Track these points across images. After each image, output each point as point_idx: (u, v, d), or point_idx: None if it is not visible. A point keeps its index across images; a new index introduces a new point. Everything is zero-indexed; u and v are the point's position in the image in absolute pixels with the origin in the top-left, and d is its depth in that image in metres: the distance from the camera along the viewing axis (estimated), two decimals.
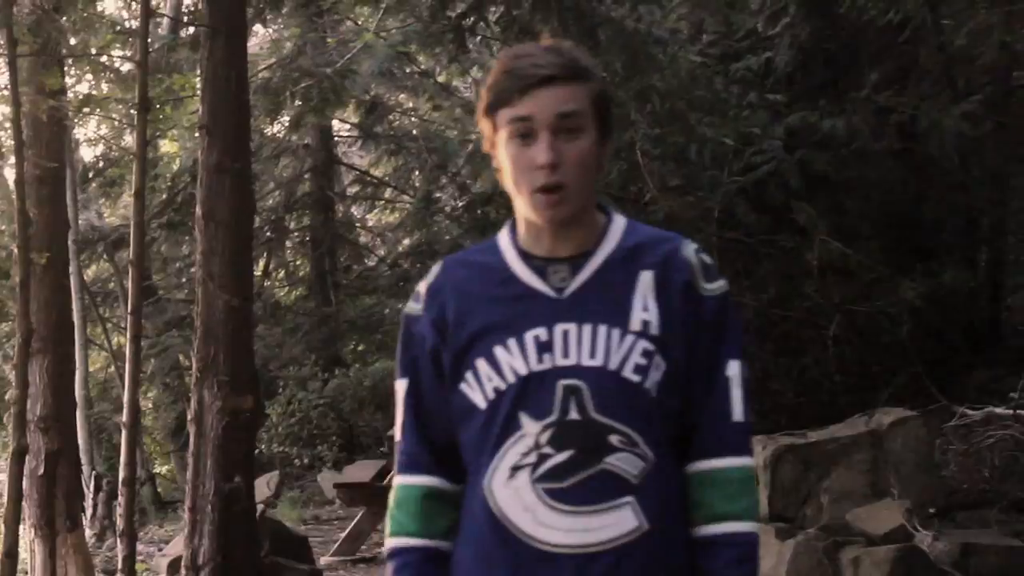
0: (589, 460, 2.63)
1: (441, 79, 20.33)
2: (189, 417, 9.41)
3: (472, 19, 12.83)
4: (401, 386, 2.91)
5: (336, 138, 23.68)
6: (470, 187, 19.97)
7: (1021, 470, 10.51)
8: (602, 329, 2.67)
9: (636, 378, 2.65)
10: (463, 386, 2.74)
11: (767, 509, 10.42)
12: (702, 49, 14.07)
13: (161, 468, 24.77)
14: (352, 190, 25.16)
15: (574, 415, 2.63)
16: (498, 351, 2.70)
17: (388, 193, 24.50)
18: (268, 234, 21.80)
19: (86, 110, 13.62)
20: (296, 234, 23.94)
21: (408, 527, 2.88)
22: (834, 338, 13.86)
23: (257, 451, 13.57)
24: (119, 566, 8.85)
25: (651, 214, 14.25)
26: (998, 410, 10.71)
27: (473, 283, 2.81)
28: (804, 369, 14.71)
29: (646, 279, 2.72)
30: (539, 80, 2.63)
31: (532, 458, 2.64)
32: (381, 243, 25.42)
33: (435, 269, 2.90)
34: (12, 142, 7.87)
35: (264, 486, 17.04)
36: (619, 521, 2.62)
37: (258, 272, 20.92)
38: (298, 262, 25.19)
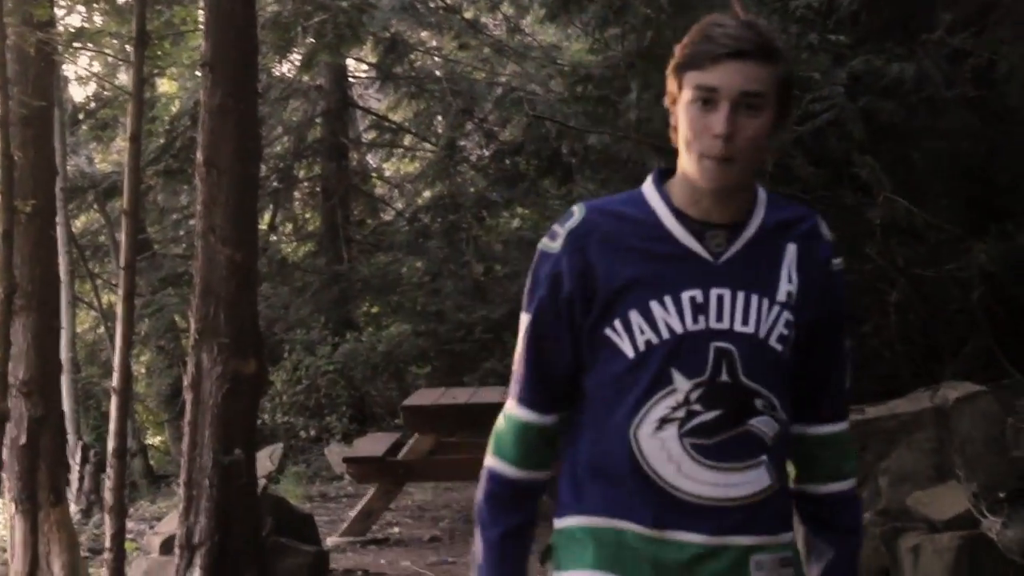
0: (735, 420, 3.03)
1: (468, 15, 20.34)
2: (185, 383, 9.47)
3: None
4: (526, 319, 3.18)
5: (351, 79, 23.68)
6: (498, 134, 20.02)
7: None
8: (754, 297, 3.04)
9: (779, 347, 3.06)
10: (609, 332, 3.05)
11: None
12: None
13: (154, 439, 24.89)
14: (368, 136, 25.13)
15: (724, 377, 3.01)
16: (654, 305, 3.02)
17: (408, 140, 24.48)
18: (275, 183, 21.82)
19: (77, 44, 13.62)
20: (306, 184, 23.97)
21: (510, 455, 3.22)
22: (897, 305, 13.85)
23: (260, 421, 13.64)
24: (107, 544, 8.91)
25: None
26: None
27: (624, 234, 3.07)
28: (863, 338, 14.70)
29: (791, 252, 3.11)
30: (731, 52, 2.91)
31: (681, 413, 3.00)
32: (399, 195, 25.44)
33: (576, 212, 3.14)
34: None
35: (267, 459, 17.12)
36: (757, 479, 3.05)
37: (263, 225, 20.90)
38: (307, 215, 25.21)
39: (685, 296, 3.00)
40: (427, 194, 23.07)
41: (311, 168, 23.51)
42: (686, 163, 3.00)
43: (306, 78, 21.35)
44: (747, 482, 3.03)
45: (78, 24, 12.72)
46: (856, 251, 14.50)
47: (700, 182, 2.99)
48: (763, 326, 3.03)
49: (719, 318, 3.01)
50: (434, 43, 23.10)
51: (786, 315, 3.05)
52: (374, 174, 26.52)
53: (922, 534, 9.60)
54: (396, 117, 24.21)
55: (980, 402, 10.64)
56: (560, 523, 3.20)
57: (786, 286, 3.07)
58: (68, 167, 17.71)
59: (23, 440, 10.25)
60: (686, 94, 2.96)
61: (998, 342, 13.40)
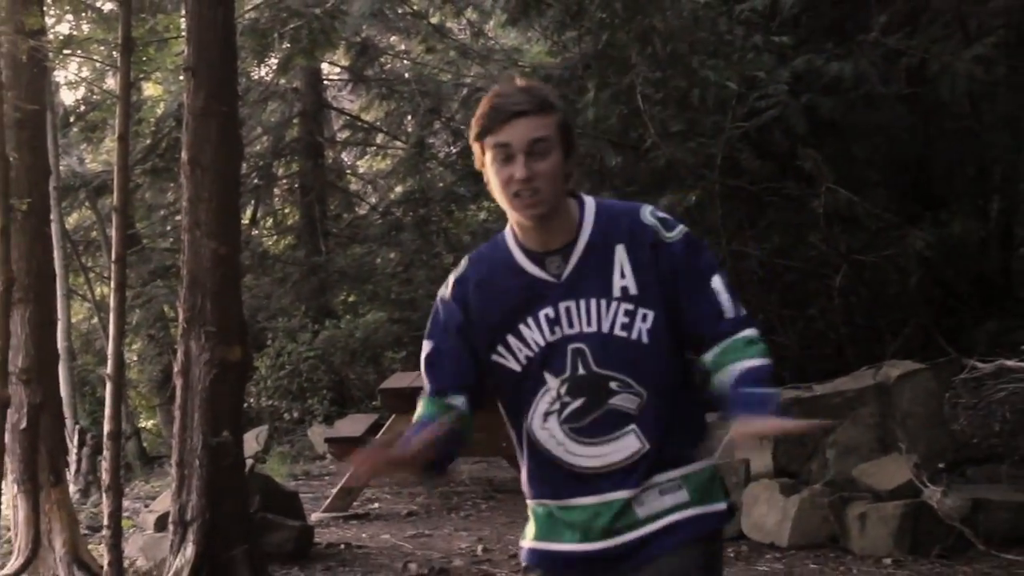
0: (597, 403, 3.54)
1: (435, 20, 20.33)
2: (175, 369, 9.43)
3: None
4: (427, 346, 3.76)
5: (325, 82, 23.67)
6: (464, 132, 19.97)
7: None
8: (592, 301, 3.54)
9: (623, 334, 3.53)
10: (496, 357, 3.61)
11: (771, 464, 10.48)
12: None
13: (147, 422, 24.86)
14: (342, 135, 25.12)
15: (581, 371, 3.54)
16: (522, 328, 3.57)
17: (379, 139, 24.49)
18: (256, 181, 21.81)
19: (67, 51, 13.58)
20: (284, 181, 23.95)
21: (426, 416, 3.71)
22: (840, 289, 13.91)
23: (246, 405, 13.61)
24: (105, 522, 8.89)
25: (652, 161, 14.29)
26: (1009, 363, 10.75)
27: (494, 276, 3.65)
28: (809, 321, 14.78)
29: (620, 252, 3.56)
30: (515, 113, 3.45)
31: (556, 406, 3.57)
32: (372, 190, 25.44)
33: (462, 264, 3.75)
34: None
35: (253, 441, 17.12)
36: (627, 445, 3.54)
37: (245, 220, 20.92)
38: (287, 210, 25.20)
39: (541, 315, 3.56)
40: (399, 189, 23.08)
41: (289, 166, 23.49)
42: (510, 211, 3.55)
43: (283, 81, 21.32)
44: (619, 449, 3.54)
45: (67, 32, 12.67)
46: (801, 239, 14.57)
47: (522, 220, 3.54)
48: (605, 322, 3.53)
49: (570, 325, 3.54)
50: (403, 47, 23.10)
51: (625, 306, 3.54)
52: (349, 171, 26.51)
53: (868, 503, 9.63)
54: (368, 117, 24.21)
55: (920, 379, 10.70)
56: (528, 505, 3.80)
57: (620, 282, 3.54)
58: (60, 167, 17.63)
59: (23, 425, 10.20)
60: (489, 155, 3.50)
61: (935, 323, 13.47)
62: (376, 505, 13.16)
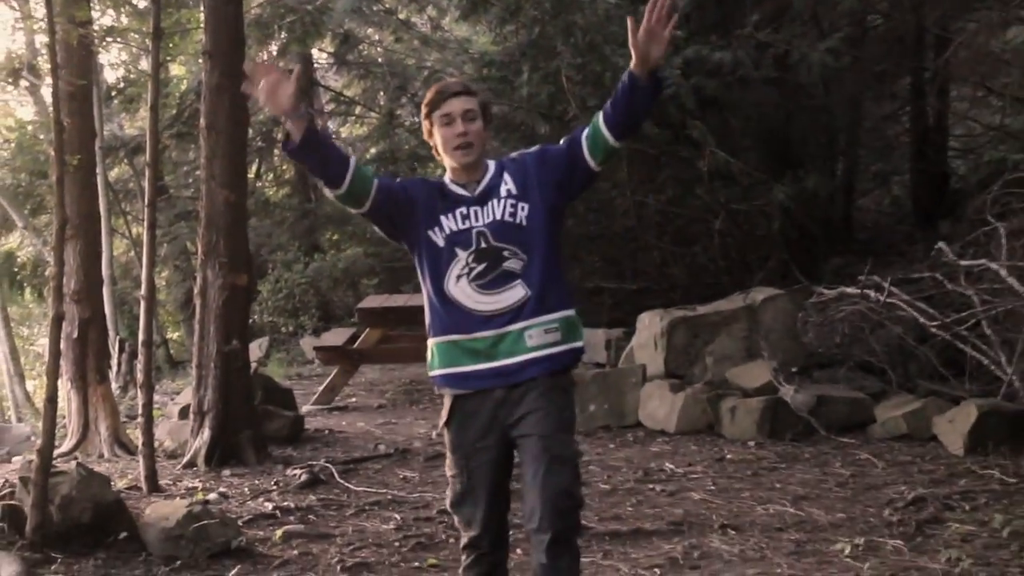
0: (494, 266, 4.16)
1: (402, 16, 20.19)
2: (195, 292, 9.44)
3: None
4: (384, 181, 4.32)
5: (316, 64, 23.43)
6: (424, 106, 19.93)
7: (865, 338, 10.67)
8: (490, 203, 4.21)
9: (510, 219, 4.18)
10: (429, 233, 4.22)
11: (663, 368, 10.58)
12: None
13: (173, 334, 24.72)
14: (329, 107, 24.94)
15: (483, 245, 4.17)
16: (443, 219, 4.22)
17: (358, 110, 24.32)
18: (259, 143, 21.59)
19: (109, 38, 13.46)
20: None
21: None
22: (719, 232, 14.01)
23: (251, 320, 13.61)
24: (139, 411, 8.91)
25: (573, 129, 14.25)
26: (848, 290, 10.86)
27: (432, 191, 4.30)
28: (695, 256, 14.87)
29: (506, 175, 4.26)
30: (453, 93, 4.24)
31: (466, 270, 4.17)
32: (353, 151, 25.29)
33: (417, 179, 4.44)
34: (49, 64, 7.78)
35: (257, 348, 17.13)
36: (514, 294, 4.15)
37: (251, 174, 20.75)
38: (284, 167, 24.95)
39: (458, 212, 4.22)
40: (373, 151, 22.90)
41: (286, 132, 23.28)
42: (447, 160, 4.27)
43: (282, 63, 21.13)
44: (510, 297, 4.14)
45: (110, 23, 12.54)
46: (689, 191, 14.63)
47: (457, 163, 4.24)
48: (497, 212, 4.19)
49: (476, 220, 4.19)
50: (377, 37, 22.89)
51: (510, 201, 4.19)
52: (334, 135, 26.32)
53: (737, 399, 9.75)
54: (349, 93, 24.02)
55: (779, 302, 10.82)
56: (429, 344, 4.32)
57: (505, 188, 4.23)
58: (104, 131, 17.46)
59: (75, 335, 10.19)
60: (436, 122, 4.24)
61: (792, 258, 13.58)
62: (353, 399, 13.18)
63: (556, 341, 4.16)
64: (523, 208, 4.19)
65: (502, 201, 4.19)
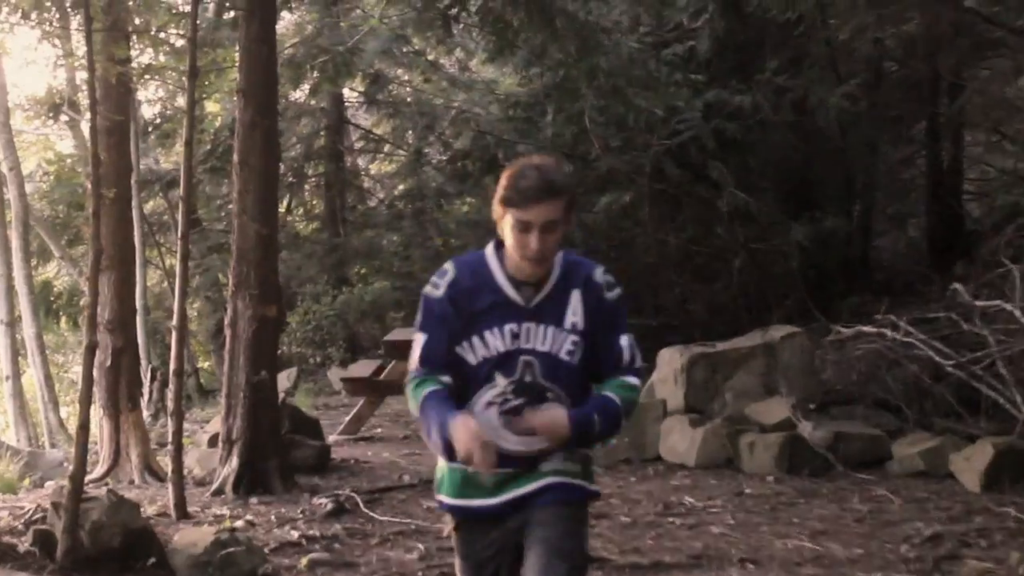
0: (532, 404, 3.52)
1: (431, 57, 20.22)
2: (226, 323, 9.41)
3: (456, 9, 12.77)
4: (422, 338, 3.67)
5: (346, 103, 23.49)
6: (452, 144, 19.93)
7: (882, 375, 10.60)
8: (550, 329, 3.57)
9: (567, 358, 3.57)
10: (459, 349, 3.58)
11: (683, 403, 10.51)
12: (639, 37, 14.06)
13: (203, 363, 24.74)
14: (358, 145, 25.00)
15: (528, 378, 3.55)
16: (487, 334, 3.57)
17: (387, 148, 24.40)
18: (291, 179, 21.68)
19: (147, 76, 13.47)
20: (313, 179, 23.79)
21: (432, 388, 3.59)
22: (738, 270, 13.96)
23: (280, 351, 13.56)
24: (170, 439, 8.87)
25: (596, 169, 14.29)
26: (865, 328, 10.78)
27: (476, 286, 3.60)
28: (714, 293, 14.81)
29: (575, 295, 3.60)
30: (537, 199, 3.43)
31: (500, 399, 3.55)
32: (380, 188, 25.37)
33: (451, 269, 3.65)
34: (88, 100, 7.79)
35: (285, 379, 17.08)
36: (543, 442, 3.51)
37: (282, 209, 20.81)
38: (314, 202, 25.05)
39: (506, 328, 3.55)
40: (401, 187, 23.01)
41: (317, 167, 23.32)
42: (513, 255, 3.54)
43: (313, 102, 21.21)
44: (537, 443, 3.52)
45: (148, 61, 12.56)
46: (709, 230, 14.59)
47: (524, 272, 3.55)
48: (555, 346, 3.56)
49: (527, 341, 3.55)
50: (406, 77, 22.94)
51: (572, 337, 3.57)
52: (363, 172, 26.37)
53: (756, 434, 9.67)
54: (378, 131, 24.09)
55: (797, 339, 10.74)
56: (438, 465, 3.76)
57: (571, 318, 3.58)
58: (140, 166, 17.51)
59: (108, 363, 10.16)
60: (509, 221, 3.49)
61: (809, 297, 13.50)
62: (379, 430, 13.12)
63: (576, 472, 3.66)
64: (581, 348, 3.60)
65: (563, 335, 3.58)
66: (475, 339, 3.57)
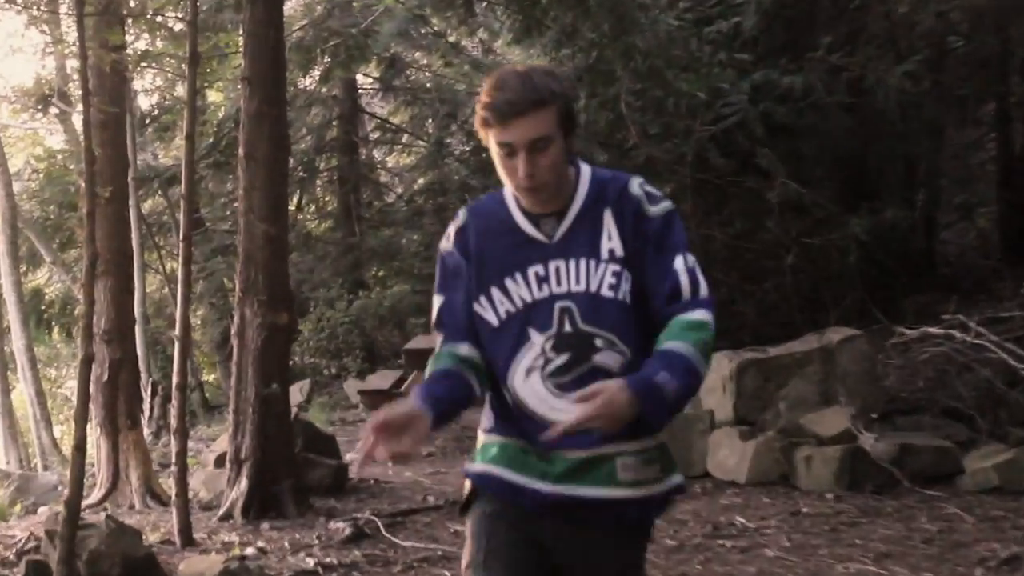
0: (581, 359, 3.08)
1: (452, 39, 20.27)
2: (232, 332, 9.45)
3: None
4: (438, 300, 3.32)
5: (360, 90, 23.59)
6: (476, 133, 20.01)
7: (951, 381, 10.55)
8: (583, 262, 3.12)
9: (610, 294, 3.09)
10: (476, 307, 3.19)
11: (732, 414, 10.48)
12: (679, 14, 13.98)
13: (208, 376, 24.88)
14: (374, 135, 25.10)
15: (568, 328, 3.09)
16: (508, 283, 3.15)
17: (405, 138, 24.47)
18: (301, 173, 21.76)
19: (143, 64, 13.58)
20: (325, 173, 23.90)
21: (440, 369, 3.21)
22: (791, 267, 13.89)
23: (291, 362, 13.60)
24: (173, 460, 8.91)
25: (633, 159, 14.25)
26: (932, 330, 10.74)
27: (491, 230, 3.23)
28: (765, 294, 14.76)
29: (608, 217, 3.15)
30: (515, 114, 3.02)
31: (540, 361, 3.09)
32: (399, 182, 25.43)
33: (462, 214, 3.32)
34: (81, 90, 7.83)
35: (298, 392, 17.14)
36: None
37: (292, 206, 20.87)
38: (327, 198, 25.18)
39: (531, 271, 3.14)
40: (421, 181, 23.07)
41: (329, 161, 23.43)
42: (510, 187, 3.18)
43: (324, 89, 21.28)
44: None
45: (144, 47, 12.64)
46: (758, 224, 14.55)
47: (523, 202, 3.19)
48: (593, 282, 3.10)
49: (559, 283, 3.12)
50: (425, 61, 23.01)
51: (612, 267, 3.10)
52: (379, 165, 26.47)
53: (812, 447, 9.62)
54: (396, 120, 24.18)
55: (857, 343, 10.69)
56: (480, 439, 3.30)
57: (607, 245, 3.13)
58: (138, 161, 17.61)
59: (105, 377, 10.23)
60: (492, 146, 3.11)
61: (869, 296, 13.45)
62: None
63: (656, 477, 3.19)
64: (627, 279, 3.12)
65: (601, 267, 3.13)
66: (495, 291, 3.17)
